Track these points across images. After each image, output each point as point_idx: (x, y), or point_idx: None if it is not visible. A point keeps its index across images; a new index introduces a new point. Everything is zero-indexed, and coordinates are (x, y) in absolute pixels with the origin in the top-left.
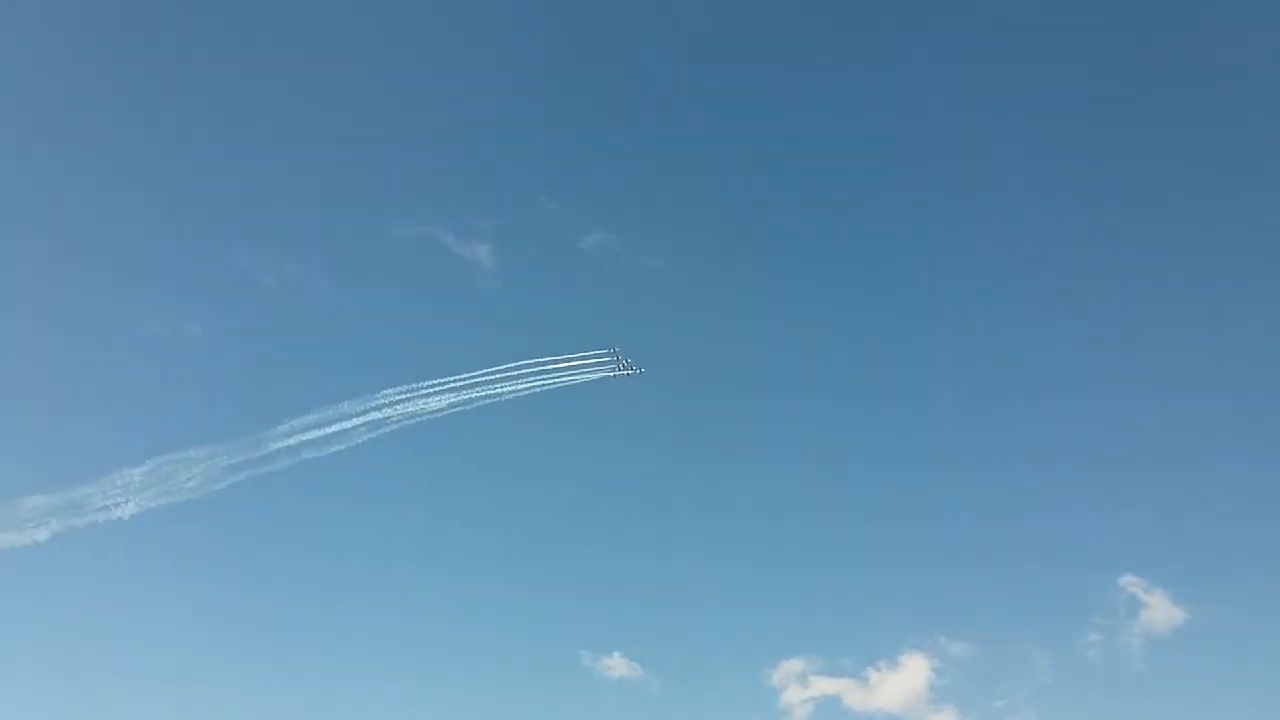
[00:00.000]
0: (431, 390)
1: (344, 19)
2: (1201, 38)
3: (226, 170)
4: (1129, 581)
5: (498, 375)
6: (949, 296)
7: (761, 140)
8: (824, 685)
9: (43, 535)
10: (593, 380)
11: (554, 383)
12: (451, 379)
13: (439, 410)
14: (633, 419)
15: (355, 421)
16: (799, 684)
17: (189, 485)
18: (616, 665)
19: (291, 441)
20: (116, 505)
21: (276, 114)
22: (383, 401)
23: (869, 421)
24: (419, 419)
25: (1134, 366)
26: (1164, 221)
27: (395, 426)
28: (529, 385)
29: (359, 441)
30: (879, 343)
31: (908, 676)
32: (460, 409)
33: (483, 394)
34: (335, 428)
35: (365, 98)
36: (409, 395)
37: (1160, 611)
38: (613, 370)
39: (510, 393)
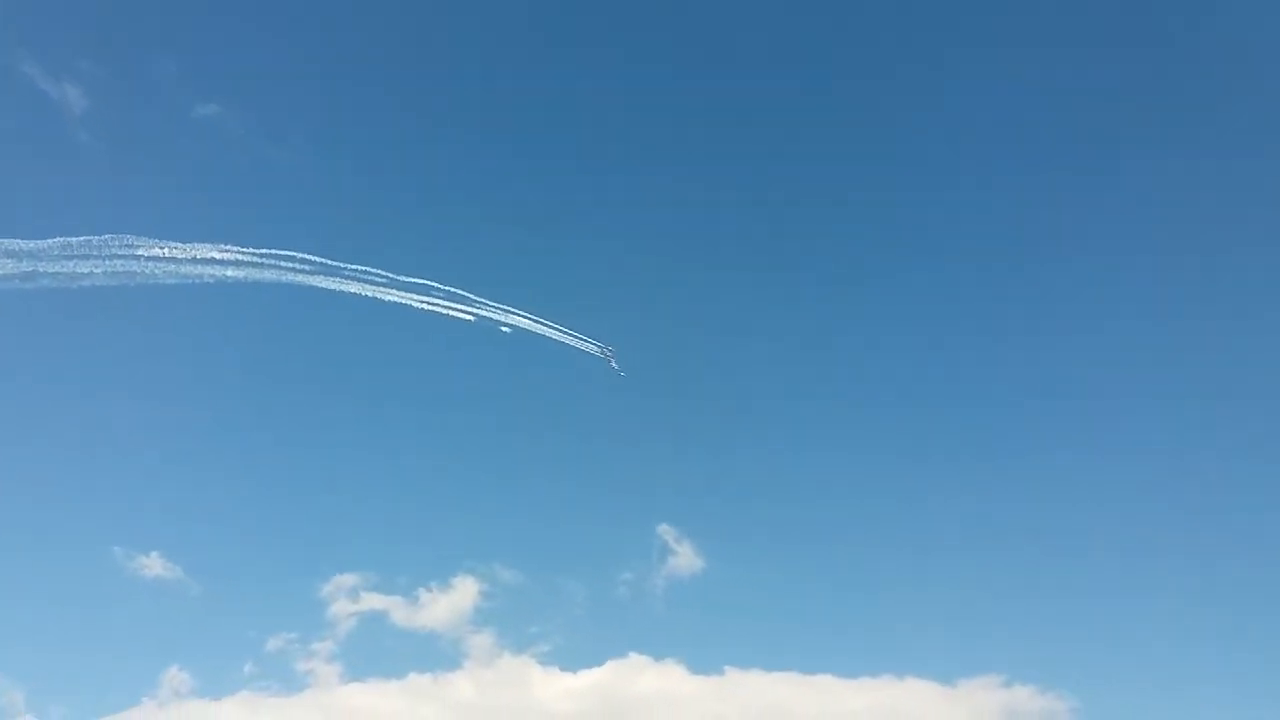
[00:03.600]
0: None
1: None
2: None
3: None
4: (664, 530)
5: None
6: None
7: None
8: (374, 601)
9: None
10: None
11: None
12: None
13: None
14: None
15: None
16: (349, 598)
17: None
18: (153, 565)
19: None
20: None
21: None
22: None
23: None
24: None
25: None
26: None
27: None
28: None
29: None
30: None
31: (457, 598)
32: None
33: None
34: None
35: None
36: None
37: (685, 559)
38: (602, 354)
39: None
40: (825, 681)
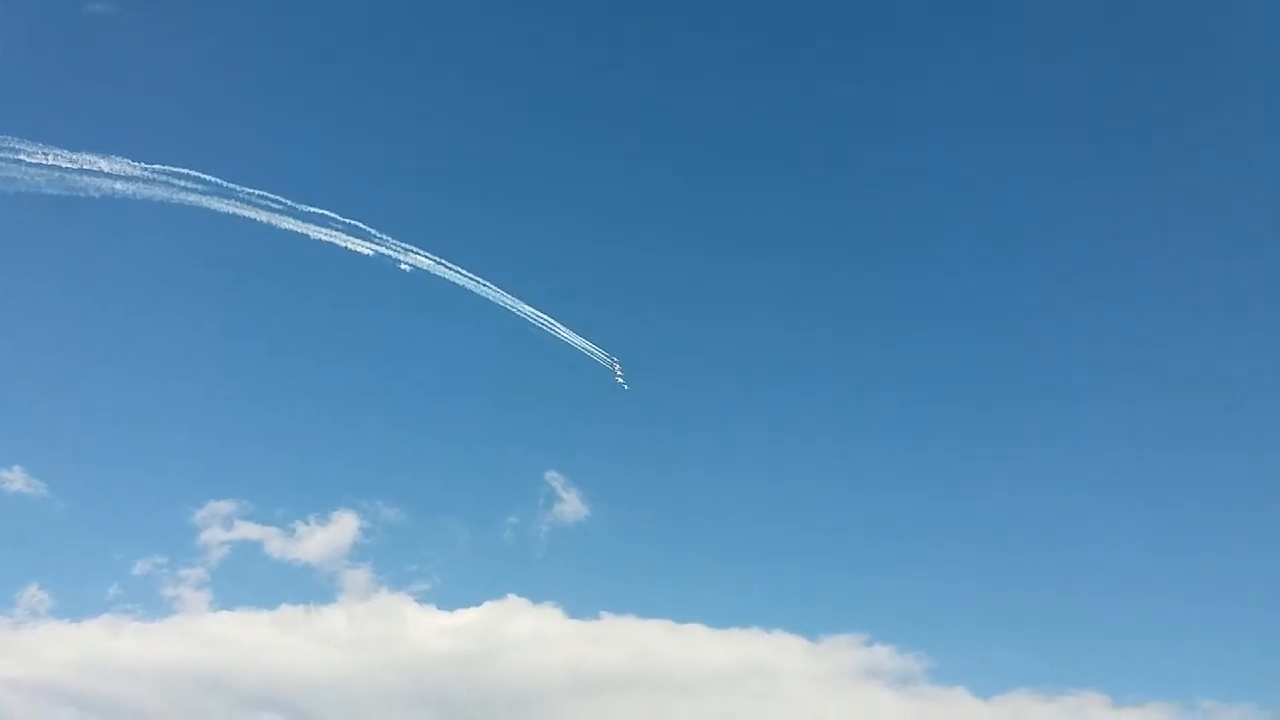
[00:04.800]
0: None
1: None
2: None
3: None
4: (553, 477)
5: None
6: None
7: None
8: (248, 530)
9: None
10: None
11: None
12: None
13: None
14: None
15: None
16: (223, 526)
17: None
18: (14, 479)
19: None
20: None
21: None
22: None
23: None
24: None
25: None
26: None
27: None
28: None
29: None
30: None
31: (335, 532)
32: None
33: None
34: None
35: None
36: None
37: (571, 507)
38: (609, 365)
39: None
40: (696, 631)
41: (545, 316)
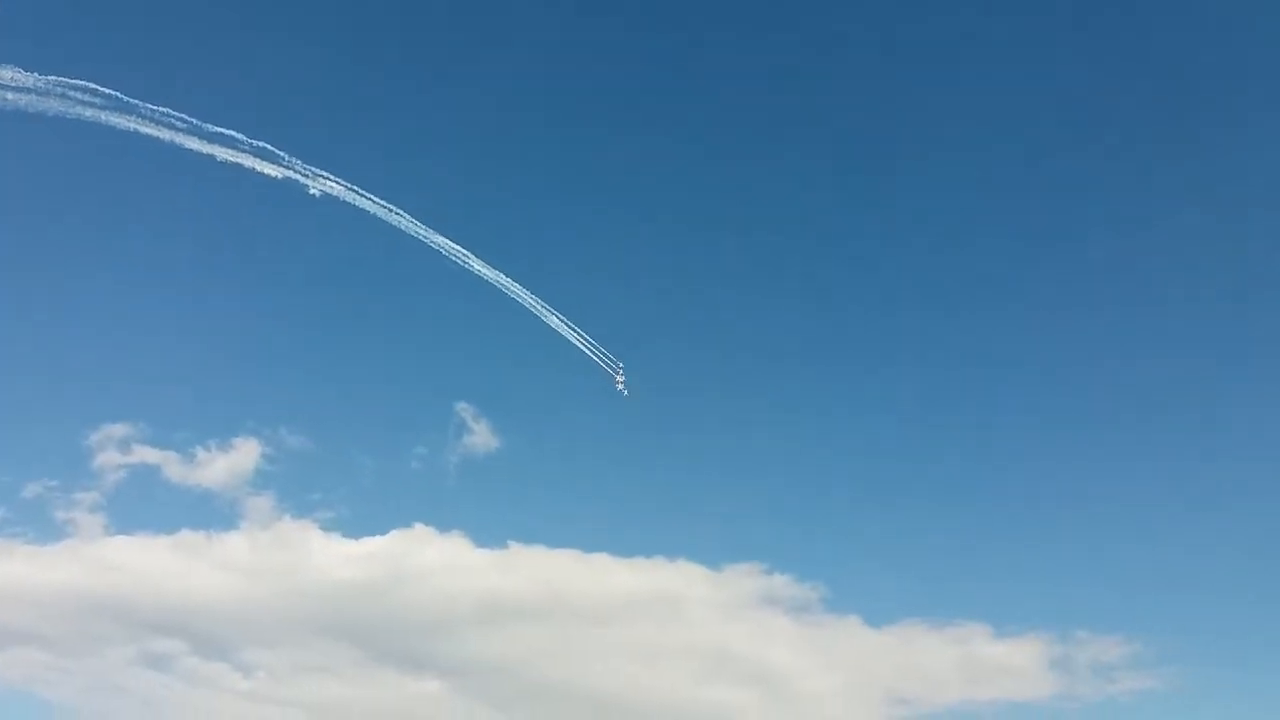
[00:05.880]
0: None
1: None
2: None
3: None
4: (463, 408)
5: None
6: None
7: None
8: (146, 454)
9: None
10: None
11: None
12: None
13: None
14: None
15: None
16: (119, 449)
17: None
18: None
19: None
20: None
21: None
22: None
23: None
24: None
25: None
26: None
27: None
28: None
29: None
30: None
31: (237, 458)
32: None
33: None
34: None
35: None
36: None
37: (482, 438)
38: (611, 370)
39: None
40: (603, 560)
41: (458, 247)
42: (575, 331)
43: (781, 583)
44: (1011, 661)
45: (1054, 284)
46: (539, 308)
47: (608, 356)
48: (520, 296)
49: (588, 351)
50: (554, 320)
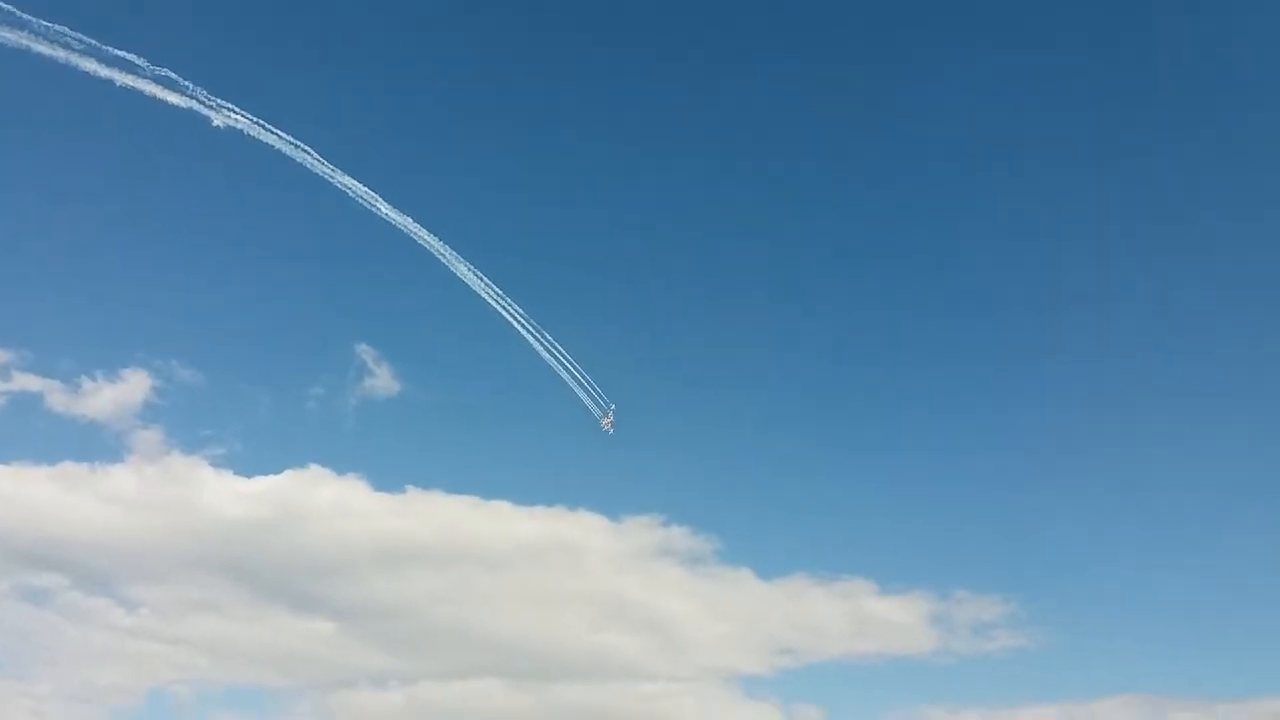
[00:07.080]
0: None
1: None
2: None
3: None
4: (364, 350)
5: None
6: None
7: None
8: (27, 381)
9: None
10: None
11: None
12: None
13: None
14: None
15: None
16: None
17: None
18: None
19: None
20: None
21: None
22: None
23: None
24: None
25: None
26: None
27: None
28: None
29: None
30: None
31: (125, 390)
32: None
33: None
34: None
35: None
36: None
37: (383, 381)
38: (599, 410)
39: None
40: (501, 507)
41: (363, 187)
42: (482, 280)
43: (678, 534)
44: (894, 617)
45: None
46: (446, 255)
47: (514, 308)
48: (428, 243)
49: (493, 302)
50: (462, 269)
